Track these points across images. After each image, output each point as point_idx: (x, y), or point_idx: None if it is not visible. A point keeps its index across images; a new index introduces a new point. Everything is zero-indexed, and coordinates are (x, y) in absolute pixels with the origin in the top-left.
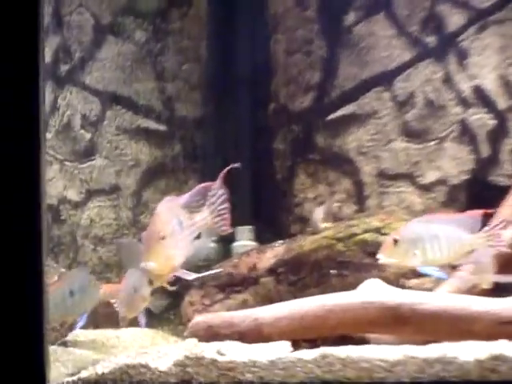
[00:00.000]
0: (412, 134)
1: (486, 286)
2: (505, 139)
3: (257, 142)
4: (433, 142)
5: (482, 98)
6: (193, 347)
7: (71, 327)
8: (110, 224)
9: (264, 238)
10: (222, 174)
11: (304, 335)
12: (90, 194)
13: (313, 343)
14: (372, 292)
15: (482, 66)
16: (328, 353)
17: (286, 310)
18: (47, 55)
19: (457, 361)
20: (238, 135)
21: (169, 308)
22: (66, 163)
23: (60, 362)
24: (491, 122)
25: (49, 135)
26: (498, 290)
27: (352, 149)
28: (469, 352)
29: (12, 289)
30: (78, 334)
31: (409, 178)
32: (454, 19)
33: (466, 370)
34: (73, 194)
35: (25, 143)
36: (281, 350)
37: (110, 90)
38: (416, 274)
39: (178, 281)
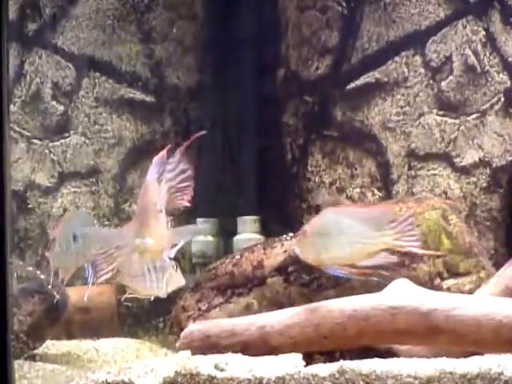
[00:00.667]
0: (448, 107)
1: None
2: None
3: (263, 116)
4: (473, 116)
5: None
6: (186, 361)
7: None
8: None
9: (271, 230)
10: (182, 147)
11: (319, 346)
12: (64, 178)
13: (329, 356)
14: (400, 295)
15: None
16: (348, 368)
17: (297, 317)
18: (11, 11)
19: (503, 377)
20: (241, 107)
21: (157, 314)
22: (35, 141)
23: (27, 380)
24: None
25: (13, 107)
26: None
27: (376, 124)
28: None
29: None
30: (49, 345)
31: (444, 158)
32: None
33: None
34: (42, 178)
35: None
36: (291, 365)
37: (87, 53)
38: (453, 274)
39: None
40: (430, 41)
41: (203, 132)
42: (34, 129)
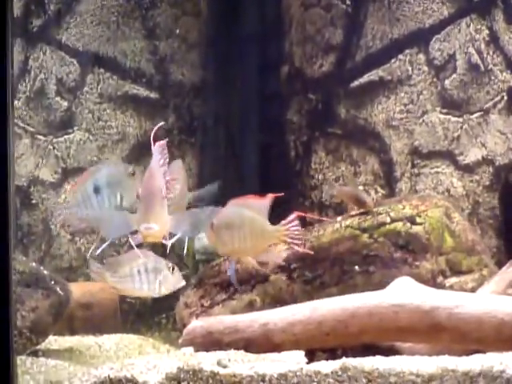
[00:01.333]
0: (451, 105)
1: None
2: None
3: (266, 113)
4: (476, 114)
5: None
6: (189, 358)
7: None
8: None
9: None
10: (159, 143)
11: (322, 343)
12: (67, 174)
13: (332, 353)
14: (403, 292)
15: None
16: (350, 365)
17: (300, 314)
18: (16, 7)
19: (505, 375)
20: (244, 104)
21: (160, 310)
22: (39, 137)
23: (29, 375)
24: None
25: (17, 103)
26: None
27: (380, 121)
28: None
29: None
30: (52, 341)
31: (447, 156)
32: None
33: None
34: (46, 174)
35: None
36: (294, 362)
37: (92, 49)
38: (455, 272)
39: None
40: (434, 39)
41: (162, 123)
42: (38, 124)
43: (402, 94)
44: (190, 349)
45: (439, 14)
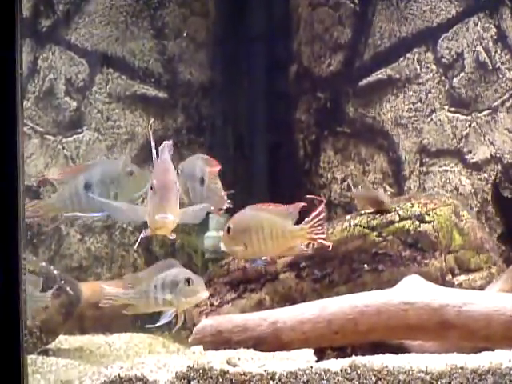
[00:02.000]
0: (460, 103)
1: None
2: None
3: (275, 112)
4: (484, 113)
5: None
6: (198, 356)
7: None
8: None
9: None
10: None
11: (331, 342)
12: None
13: (341, 351)
14: (412, 291)
15: None
16: (360, 363)
17: (309, 312)
18: (25, 7)
19: None
20: (253, 104)
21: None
22: (48, 137)
23: (40, 374)
24: None
25: (27, 103)
26: None
27: (388, 120)
28: None
29: None
30: (62, 340)
31: (456, 154)
32: None
33: None
34: (56, 174)
35: None
36: (303, 360)
37: (100, 49)
38: (464, 269)
39: None
40: (442, 38)
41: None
42: (48, 124)
43: (411, 93)
44: (200, 347)
45: (447, 13)
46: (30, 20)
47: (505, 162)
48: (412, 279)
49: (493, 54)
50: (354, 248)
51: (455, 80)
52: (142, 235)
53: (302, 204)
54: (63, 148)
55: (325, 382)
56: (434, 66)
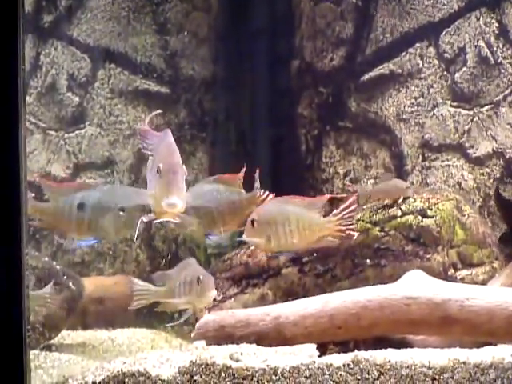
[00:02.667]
0: (462, 98)
1: None
2: None
3: (277, 107)
4: (486, 107)
5: None
6: (201, 351)
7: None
8: None
9: None
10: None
11: (333, 337)
12: (79, 169)
13: (344, 346)
14: (415, 285)
15: None
16: (362, 358)
17: (312, 307)
18: (27, 3)
19: None
20: (255, 99)
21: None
22: (50, 132)
23: (43, 370)
24: None
25: (29, 99)
26: None
27: (390, 115)
28: None
29: None
30: (64, 336)
31: (458, 149)
32: None
33: None
34: (58, 169)
35: (0, 108)
36: (306, 355)
37: (103, 45)
38: (466, 264)
39: None
40: (444, 32)
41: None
42: (50, 120)
43: (413, 88)
44: (203, 342)
45: (449, 8)
46: (32, 15)
47: (507, 156)
48: (414, 274)
49: (495, 48)
50: (357, 243)
51: (457, 75)
52: (144, 219)
53: (329, 196)
54: (65, 143)
55: (327, 376)
56: (435, 61)
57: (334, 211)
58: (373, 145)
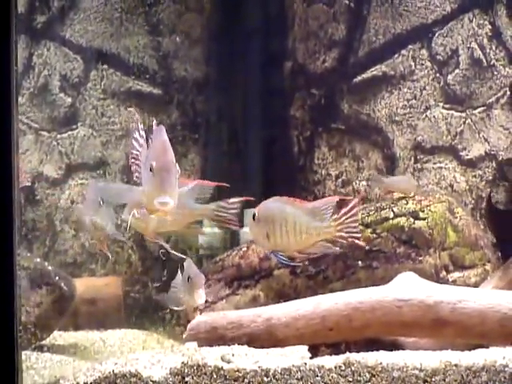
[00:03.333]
0: (454, 100)
1: None
2: None
3: (270, 108)
4: (479, 110)
5: None
6: (193, 353)
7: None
8: None
9: None
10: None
11: (325, 338)
12: (71, 170)
13: (335, 348)
14: (406, 287)
15: None
16: (354, 359)
17: (303, 309)
18: (20, 4)
19: (508, 369)
20: (247, 100)
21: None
22: (43, 133)
23: (34, 370)
24: None
25: (22, 99)
26: None
27: (383, 117)
28: None
29: None
30: (56, 336)
31: (450, 151)
32: None
33: None
34: (50, 170)
35: None
36: (297, 356)
37: (95, 45)
38: (458, 266)
39: None
40: (437, 34)
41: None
42: (42, 121)
43: (405, 90)
44: (194, 344)
45: (442, 10)
46: (25, 16)
47: (499, 158)
48: (406, 276)
49: (487, 50)
50: (349, 244)
51: (450, 77)
52: (136, 214)
53: (331, 199)
54: (58, 144)
55: (319, 378)
56: (428, 63)
57: (335, 215)
58: (365, 147)
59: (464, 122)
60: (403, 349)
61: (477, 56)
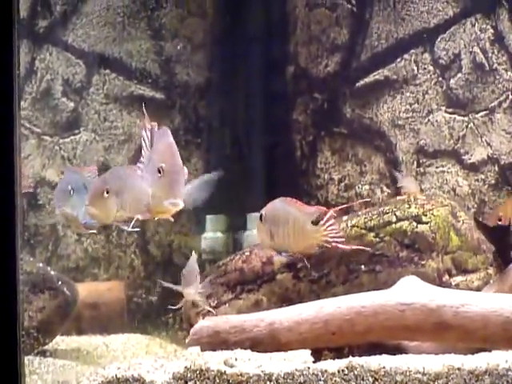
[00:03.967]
0: (457, 104)
1: None
2: None
3: (272, 113)
4: (481, 114)
5: None
6: (195, 357)
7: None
8: None
9: None
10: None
11: (328, 343)
12: None
13: (338, 352)
14: (409, 291)
15: None
16: (356, 364)
17: (306, 313)
18: (22, 8)
19: (510, 373)
20: (250, 104)
21: (167, 310)
22: (45, 137)
23: (37, 375)
24: None
25: (24, 104)
26: None
27: (385, 121)
28: None
29: None
30: (59, 341)
31: (453, 155)
32: None
33: None
34: (53, 175)
35: None
36: (300, 361)
37: (97, 50)
38: (461, 270)
39: None
40: (439, 39)
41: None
42: (45, 125)
43: (408, 94)
44: (197, 348)
45: (444, 14)
46: (27, 21)
47: (502, 162)
48: (409, 280)
49: (490, 54)
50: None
51: (452, 81)
52: (139, 217)
53: (324, 208)
54: (60, 149)
55: (322, 382)
56: (431, 67)
57: (321, 222)
58: (368, 151)
59: (466, 126)
60: (406, 353)
61: (479, 60)
